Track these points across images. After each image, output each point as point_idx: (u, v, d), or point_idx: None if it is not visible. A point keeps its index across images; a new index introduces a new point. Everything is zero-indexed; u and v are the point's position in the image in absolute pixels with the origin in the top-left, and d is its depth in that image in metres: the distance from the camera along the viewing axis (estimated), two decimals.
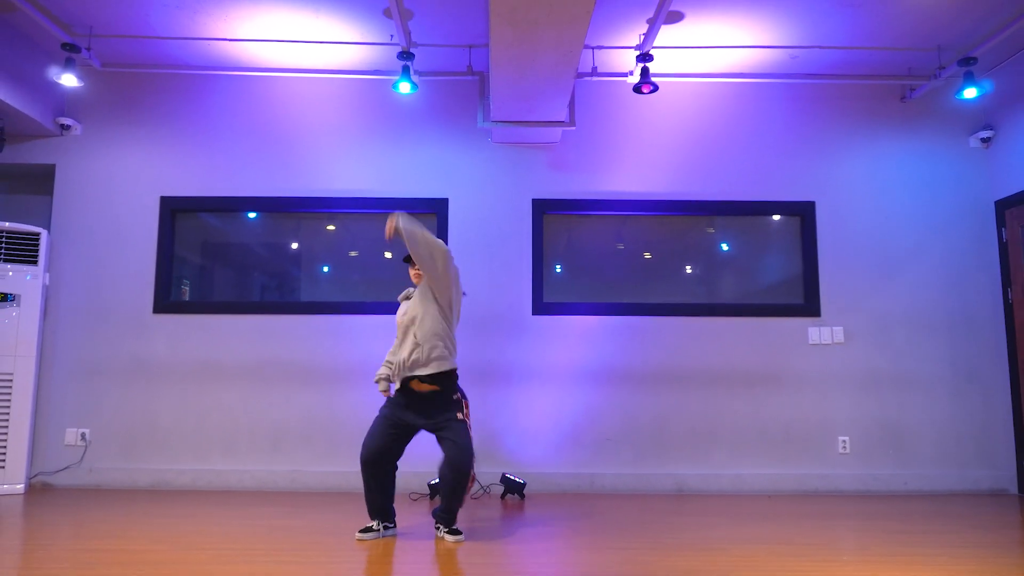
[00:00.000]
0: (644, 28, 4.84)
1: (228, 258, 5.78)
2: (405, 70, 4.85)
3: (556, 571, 3.07)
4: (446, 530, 3.66)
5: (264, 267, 5.72)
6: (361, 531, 3.65)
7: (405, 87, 4.89)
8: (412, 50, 4.86)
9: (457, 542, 3.59)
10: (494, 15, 3.68)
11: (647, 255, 5.69)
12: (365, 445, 3.62)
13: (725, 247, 5.70)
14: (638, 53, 4.88)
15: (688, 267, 5.71)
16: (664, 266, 5.70)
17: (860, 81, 5.56)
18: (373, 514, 3.69)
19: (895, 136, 5.63)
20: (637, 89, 4.89)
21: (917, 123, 5.64)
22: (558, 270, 5.57)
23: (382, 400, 5.23)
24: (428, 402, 3.64)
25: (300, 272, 5.70)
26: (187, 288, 5.59)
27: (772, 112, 5.65)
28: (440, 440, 3.62)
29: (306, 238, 5.69)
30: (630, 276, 5.67)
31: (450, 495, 3.60)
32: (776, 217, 5.66)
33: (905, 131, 5.64)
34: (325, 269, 5.68)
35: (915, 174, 5.60)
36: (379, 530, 3.66)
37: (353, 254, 5.64)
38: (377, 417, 3.70)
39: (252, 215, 5.63)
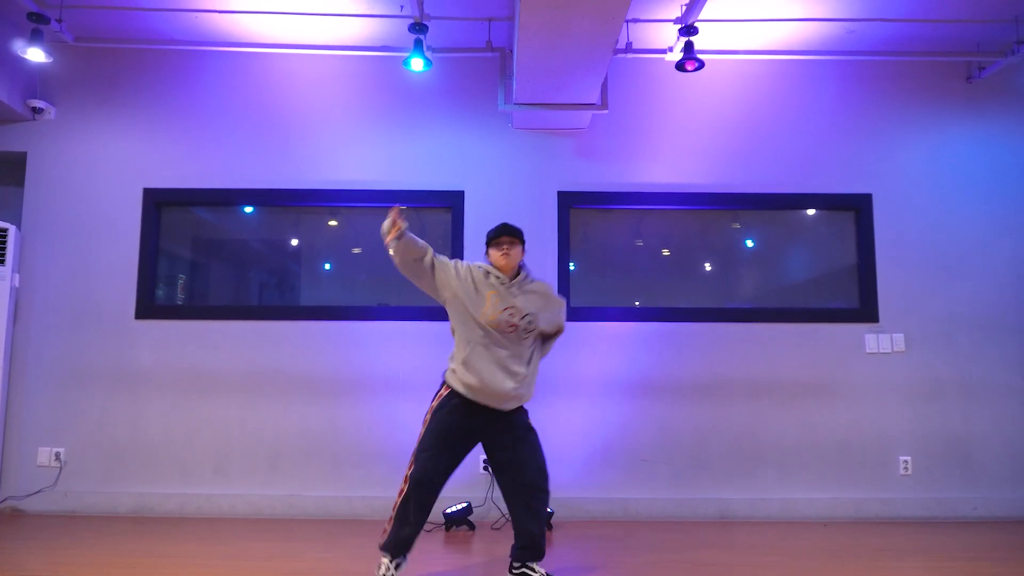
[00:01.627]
0: None
1: (221, 256, 5.23)
2: (417, 44, 4.29)
3: None
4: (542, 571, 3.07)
5: (261, 266, 5.18)
6: None
7: (418, 63, 4.33)
8: (425, 22, 4.31)
9: None
10: None
11: (682, 253, 5.13)
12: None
13: (766, 245, 5.15)
14: (680, 26, 4.32)
15: (729, 268, 5.16)
16: (702, 266, 5.15)
17: (923, 58, 5.01)
18: (402, 550, 3.04)
19: (960, 120, 5.07)
20: (680, 66, 4.33)
21: (985, 105, 5.08)
22: (572, 268, 5.02)
23: (390, 417, 4.73)
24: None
25: (300, 272, 5.16)
26: (182, 283, 5.05)
27: (824, 94, 5.09)
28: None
29: (307, 234, 5.15)
30: (662, 277, 5.12)
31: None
32: (827, 212, 5.10)
33: (971, 114, 5.07)
34: (327, 267, 5.14)
35: (983, 163, 5.03)
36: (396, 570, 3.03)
37: (356, 251, 5.09)
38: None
39: (248, 209, 5.08)
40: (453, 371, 3.06)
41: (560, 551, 3.82)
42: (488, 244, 3.12)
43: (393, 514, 3.01)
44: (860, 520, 4.66)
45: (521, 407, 3.15)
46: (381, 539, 3.03)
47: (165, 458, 4.71)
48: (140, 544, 3.84)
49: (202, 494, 4.66)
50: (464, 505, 4.35)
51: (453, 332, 3.13)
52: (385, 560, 3.00)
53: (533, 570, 3.05)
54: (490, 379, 2.96)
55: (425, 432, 3.04)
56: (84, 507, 4.64)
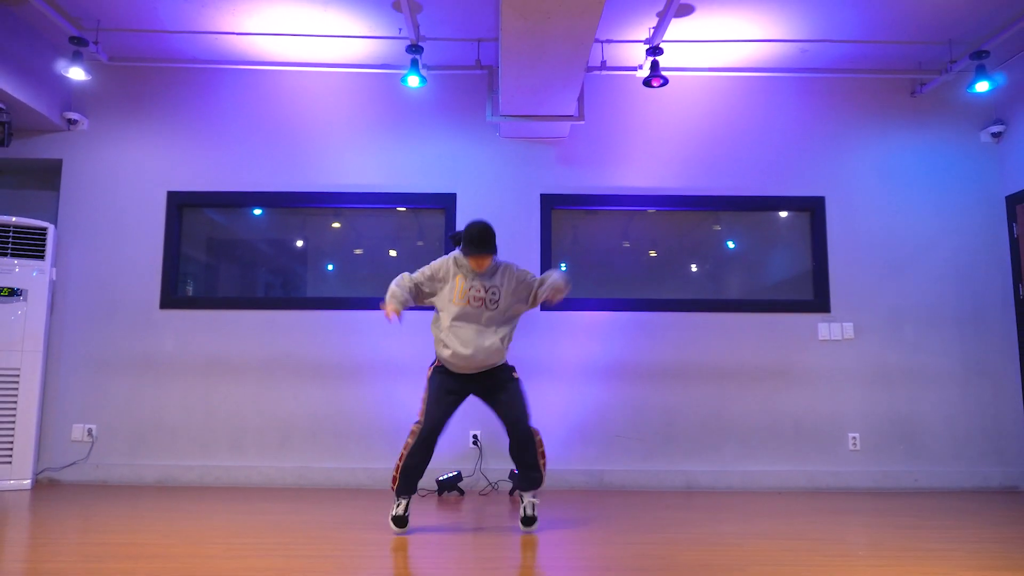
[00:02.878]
0: (653, 21, 4.80)
1: (234, 255, 5.76)
2: (414, 63, 4.82)
3: (570, 564, 3.05)
4: (524, 512, 3.71)
5: (270, 264, 5.70)
6: (399, 522, 3.62)
7: (414, 80, 4.86)
8: (421, 43, 4.84)
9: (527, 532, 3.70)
10: (506, 5, 3.65)
11: (654, 252, 5.66)
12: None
13: (733, 244, 5.67)
14: (648, 47, 4.85)
15: (696, 263, 5.68)
16: (672, 262, 5.67)
17: (870, 75, 5.54)
18: (410, 491, 3.66)
19: (905, 131, 5.60)
20: (647, 83, 4.87)
21: (928, 117, 5.61)
22: (563, 268, 5.54)
23: (388, 398, 5.24)
24: None
25: (306, 269, 5.68)
26: (190, 289, 5.56)
27: (781, 107, 5.62)
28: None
29: (312, 234, 5.67)
30: (638, 272, 5.64)
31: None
32: (785, 213, 5.63)
33: (915, 125, 5.60)
34: (330, 267, 5.66)
35: (925, 169, 5.56)
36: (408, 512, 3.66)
37: (358, 252, 5.61)
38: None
39: (258, 211, 5.61)
40: (437, 343, 3.67)
41: (542, 514, 4.28)
42: (464, 253, 3.61)
43: (400, 464, 3.61)
44: (813, 490, 5.17)
45: (504, 364, 3.73)
46: (393, 487, 3.65)
47: (185, 434, 5.22)
48: (166, 505, 4.35)
49: (220, 466, 5.17)
50: (455, 473, 4.87)
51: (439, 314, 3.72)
52: (403, 501, 3.65)
53: (522, 499, 3.73)
54: (462, 351, 3.54)
55: (427, 392, 3.66)
56: (113, 478, 5.15)
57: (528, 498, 3.72)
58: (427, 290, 3.69)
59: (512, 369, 3.77)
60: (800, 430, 5.28)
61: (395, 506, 3.66)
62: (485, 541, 3.50)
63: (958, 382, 5.35)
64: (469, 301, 3.58)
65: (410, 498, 3.69)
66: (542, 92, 4.67)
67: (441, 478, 4.82)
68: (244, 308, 5.35)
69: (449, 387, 3.65)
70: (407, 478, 3.62)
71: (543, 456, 3.71)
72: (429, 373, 3.73)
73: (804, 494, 5.04)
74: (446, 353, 3.59)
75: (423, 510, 4.30)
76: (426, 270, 3.71)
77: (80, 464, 5.15)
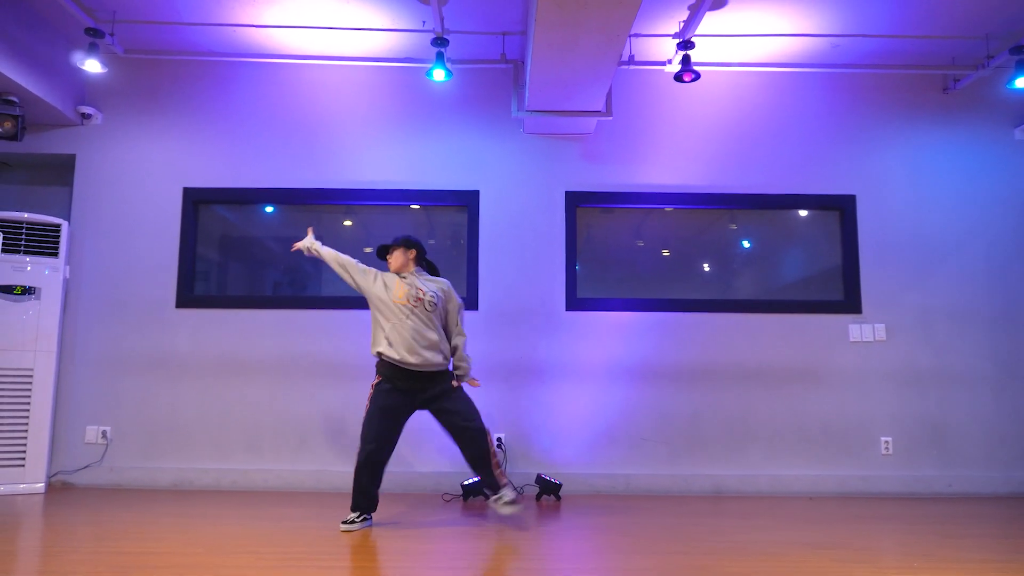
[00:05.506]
0: (683, 15, 4.68)
1: (249, 253, 5.63)
2: (439, 56, 4.70)
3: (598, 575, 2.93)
4: (498, 501, 3.80)
5: (285, 262, 5.57)
6: (349, 522, 3.74)
7: (439, 74, 4.74)
8: (446, 36, 4.71)
9: (511, 511, 3.78)
10: None
11: (679, 250, 5.54)
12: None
13: (759, 242, 5.55)
14: (679, 41, 4.73)
15: (723, 262, 5.55)
16: (697, 261, 5.55)
17: (902, 71, 5.41)
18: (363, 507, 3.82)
19: (937, 128, 5.48)
20: (678, 78, 4.74)
21: (960, 114, 5.48)
22: (576, 268, 5.41)
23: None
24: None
25: (321, 268, 5.54)
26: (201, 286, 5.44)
27: (811, 103, 5.50)
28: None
29: (327, 231, 5.54)
30: (662, 271, 5.52)
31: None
32: (811, 212, 5.51)
33: (947, 122, 5.48)
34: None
35: (957, 166, 5.44)
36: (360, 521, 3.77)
37: (367, 251, 5.49)
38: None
39: (270, 209, 5.48)
40: (380, 354, 3.77)
41: (568, 518, 4.20)
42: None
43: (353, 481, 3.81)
44: (843, 495, 5.05)
45: (446, 380, 3.85)
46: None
47: (201, 436, 5.10)
48: (185, 510, 4.22)
49: (236, 469, 5.05)
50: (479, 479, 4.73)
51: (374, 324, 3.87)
52: (356, 517, 3.80)
53: (487, 498, 3.94)
54: (411, 345, 3.70)
55: (367, 414, 3.81)
56: (127, 481, 5.02)
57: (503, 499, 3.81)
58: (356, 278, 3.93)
59: (452, 375, 3.91)
60: (829, 434, 5.16)
61: (351, 515, 3.78)
62: (513, 550, 3.37)
63: (991, 384, 5.24)
64: (409, 300, 3.79)
65: (366, 518, 3.80)
66: (572, 86, 4.55)
67: (466, 483, 4.70)
68: (260, 307, 5.23)
69: (393, 408, 3.78)
70: (359, 494, 3.79)
71: (495, 457, 3.84)
72: (370, 394, 3.83)
73: (835, 499, 4.92)
74: (391, 353, 3.74)
75: (451, 516, 4.18)
76: (368, 271, 3.97)
77: (94, 467, 5.03)
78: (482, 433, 3.77)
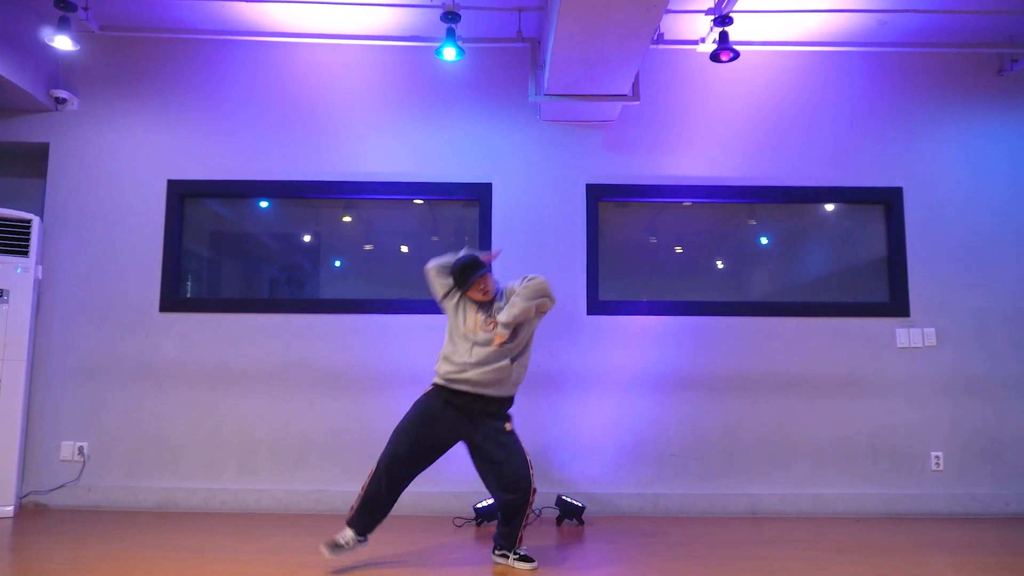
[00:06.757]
0: None
1: (240, 250, 5.17)
2: (450, 33, 4.24)
3: None
4: (514, 557, 3.25)
5: (281, 260, 5.12)
6: (333, 548, 3.25)
7: (450, 52, 4.27)
8: (457, 11, 4.25)
9: (532, 570, 3.19)
10: None
11: (707, 248, 5.08)
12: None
13: (795, 239, 5.10)
14: (714, 17, 4.26)
15: (755, 262, 5.11)
16: (730, 260, 5.10)
17: (953, 50, 4.97)
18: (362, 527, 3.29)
19: (991, 113, 5.02)
20: (715, 57, 4.28)
21: (1017, 98, 5.03)
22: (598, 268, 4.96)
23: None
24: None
25: (319, 267, 5.10)
26: (190, 287, 4.98)
27: (853, 86, 5.04)
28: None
29: (326, 228, 5.09)
30: (692, 271, 5.07)
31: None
32: (853, 205, 5.06)
33: (1003, 107, 5.03)
34: (337, 264, 5.08)
35: (1015, 156, 4.99)
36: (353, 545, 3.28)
37: (368, 247, 5.05)
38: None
39: (266, 203, 5.02)
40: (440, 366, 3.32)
41: (592, 546, 3.78)
42: (460, 287, 3.30)
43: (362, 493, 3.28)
44: (891, 516, 4.61)
45: (503, 412, 3.32)
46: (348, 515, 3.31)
47: (189, 453, 4.65)
48: (167, 538, 3.78)
49: (227, 488, 4.60)
50: (492, 501, 4.29)
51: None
52: (351, 534, 3.29)
53: (500, 555, 3.35)
54: (469, 368, 3.22)
55: (405, 419, 3.33)
56: (108, 502, 4.58)
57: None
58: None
59: (509, 418, 3.36)
60: (877, 448, 4.72)
61: (341, 535, 3.25)
62: None
63: None
64: (481, 328, 3.27)
65: (361, 540, 3.31)
66: (598, 67, 4.08)
67: (479, 505, 4.26)
68: (254, 311, 4.77)
69: (434, 426, 3.29)
70: (365, 511, 3.28)
71: (528, 519, 3.31)
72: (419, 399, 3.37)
73: (883, 520, 4.49)
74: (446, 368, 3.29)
75: (462, 541, 3.75)
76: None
77: (70, 487, 4.58)
78: (525, 502, 3.23)
